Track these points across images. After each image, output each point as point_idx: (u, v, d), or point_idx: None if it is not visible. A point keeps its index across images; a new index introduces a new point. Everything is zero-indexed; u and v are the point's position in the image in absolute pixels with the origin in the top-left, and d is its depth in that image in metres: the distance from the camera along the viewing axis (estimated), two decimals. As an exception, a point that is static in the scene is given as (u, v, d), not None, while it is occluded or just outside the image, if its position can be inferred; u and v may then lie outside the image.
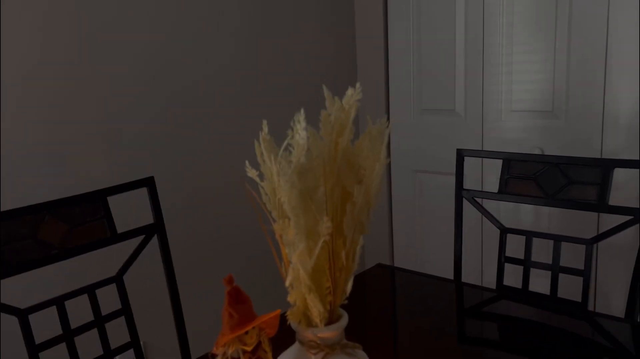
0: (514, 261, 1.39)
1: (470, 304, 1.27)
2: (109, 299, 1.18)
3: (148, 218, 1.21)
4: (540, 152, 2.01)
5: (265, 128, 0.67)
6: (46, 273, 1.23)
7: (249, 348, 0.66)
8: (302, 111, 0.63)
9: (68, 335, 1.06)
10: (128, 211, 1.35)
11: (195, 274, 1.87)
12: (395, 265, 2.50)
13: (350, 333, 0.70)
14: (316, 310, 0.64)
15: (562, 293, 1.33)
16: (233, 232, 2.00)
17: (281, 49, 2.12)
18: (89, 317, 1.11)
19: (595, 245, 1.31)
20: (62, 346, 1.05)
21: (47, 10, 1.47)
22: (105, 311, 1.13)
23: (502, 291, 1.39)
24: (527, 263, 1.36)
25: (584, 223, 1.93)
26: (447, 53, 2.19)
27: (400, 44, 2.32)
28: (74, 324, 1.08)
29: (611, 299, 1.96)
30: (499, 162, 1.42)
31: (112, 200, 1.14)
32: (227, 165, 1.95)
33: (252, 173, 0.69)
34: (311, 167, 0.62)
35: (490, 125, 2.13)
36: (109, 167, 1.64)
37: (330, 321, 0.66)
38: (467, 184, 1.51)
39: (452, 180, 1.53)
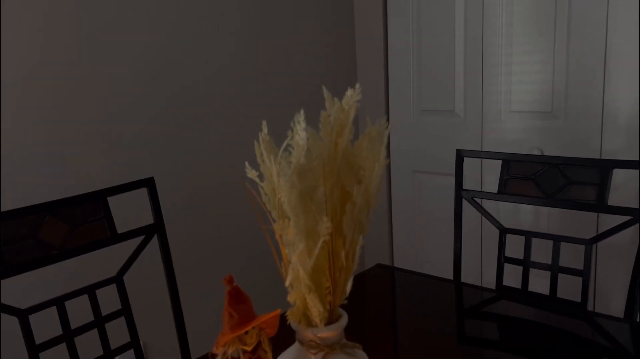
0: (513, 261, 1.39)
1: (469, 304, 1.27)
2: (109, 299, 1.18)
3: (148, 219, 1.21)
4: (539, 153, 2.01)
5: (265, 129, 0.67)
6: (46, 273, 1.23)
7: (249, 348, 0.66)
8: (301, 112, 0.63)
9: (68, 335, 1.06)
10: (128, 212, 1.35)
11: (195, 274, 1.87)
12: (395, 265, 2.50)
13: (350, 333, 0.70)
14: (316, 310, 0.64)
15: (561, 293, 1.33)
16: (233, 232, 2.00)
17: (281, 49, 2.12)
18: (89, 317, 1.11)
19: (594, 245, 1.31)
20: (63, 347, 1.06)
21: (47, 10, 1.47)
22: (105, 311, 1.13)
23: (502, 291, 1.39)
24: (526, 264, 1.37)
25: (583, 223, 1.93)
26: (447, 53, 2.19)
27: (400, 45, 2.32)
28: (74, 324, 1.08)
29: (610, 300, 1.96)
30: (499, 163, 1.42)
31: (112, 201, 1.14)
32: (227, 165, 1.96)
33: (252, 173, 0.69)
34: (311, 167, 0.63)
35: (490, 126, 2.14)
36: (109, 167, 1.64)
37: (330, 321, 0.67)
38: (467, 184, 1.52)
39: (452, 180, 1.54)
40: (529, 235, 1.37)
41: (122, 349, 1.14)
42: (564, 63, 1.93)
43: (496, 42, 2.06)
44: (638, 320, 1.24)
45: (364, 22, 2.40)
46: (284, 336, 0.72)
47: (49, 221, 1.04)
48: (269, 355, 0.69)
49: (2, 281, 0.98)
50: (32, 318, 1.01)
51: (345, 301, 0.68)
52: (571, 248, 1.37)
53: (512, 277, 1.50)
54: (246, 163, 0.71)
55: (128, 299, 1.16)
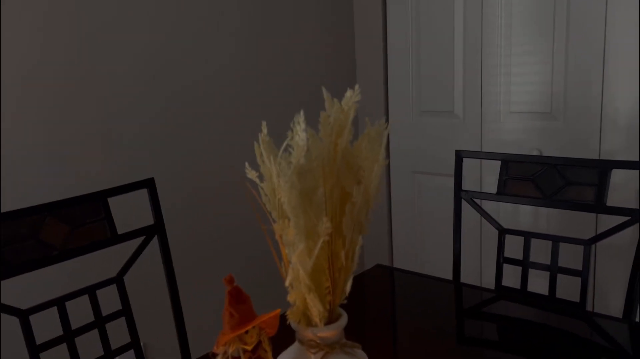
0: (512, 261, 1.40)
1: (469, 304, 1.27)
2: (109, 300, 1.18)
3: (148, 219, 1.21)
4: (538, 154, 2.02)
5: (265, 129, 0.68)
6: (47, 273, 1.23)
7: (249, 347, 0.67)
8: (301, 112, 0.63)
9: (69, 336, 1.07)
10: (128, 212, 1.35)
11: (195, 274, 1.87)
12: (395, 265, 2.50)
13: (350, 333, 0.71)
14: (316, 310, 0.64)
15: (560, 294, 1.34)
16: (233, 232, 2.01)
17: (281, 49, 2.12)
18: (90, 318, 1.11)
19: (593, 246, 1.32)
20: (63, 347, 1.06)
21: (47, 10, 1.48)
22: (105, 311, 1.13)
23: (501, 291, 1.39)
24: (525, 264, 1.37)
25: (582, 223, 1.94)
26: (446, 54, 2.19)
27: (399, 45, 2.32)
28: (74, 324, 1.08)
29: (610, 300, 1.97)
30: (498, 163, 1.43)
31: (112, 201, 1.15)
32: (227, 165, 1.96)
33: (251, 174, 0.69)
34: (311, 168, 0.63)
35: (489, 127, 2.14)
36: (108, 167, 1.64)
37: (329, 320, 0.67)
38: (466, 185, 1.52)
39: (451, 181, 1.54)
40: (528, 236, 1.38)
41: (122, 349, 1.15)
42: (563, 64, 1.93)
43: (495, 42, 2.06)
44: (637, 320, 1.24)
45: (364, 23, 2.40)
46: (284, 335, 0.72)
47: (50, 221, 1.04)
48: (269, 354, 0.69)
49: (2, 281, 0.98)
50: (33, 318, 1.02)
51: (345, 301, 0.68)
52: (570, 248, 1.38)
53: (512, 277, 1.50)
54: (246, 163, 0.71)
55: (128, 300, 1.17)
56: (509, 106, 2.08)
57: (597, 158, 1.90)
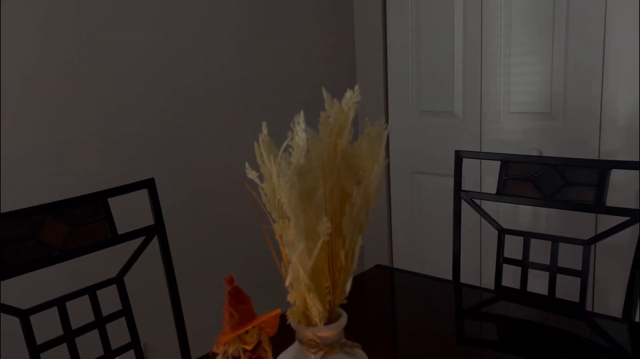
0: (512, 262, 1.40)
1: (469, 305, 1.27)
2: (109, 300, 1.19)
3: (148, 219, 1.21)
4: (538, 154, 2.02)
5: (265, 130, 0.68)
6: (47, 274, 1.23)
7: (249, 347, 0.67)
8: (301, 113, 0.63)
9: (69, 336, 1.07)
10: (129, 213, 1.35)
11: (195, 274, 1.88)
12: (395, 265, 2.50)
13: (350, 333, 0.71)
14: (315, 310, 0.64)
15: (560, 294, 1.34)
16: (233, 232, 2.01)
17: (281, 50, 2.13)
18: (90, 318, 1.11)
19: (592, 246, 1.32)
20: (63, 347, 1.06)
21: (47, 10, 1.48)
22: (105, 312, 1.14)
23: (501, 291, 1.39)
24: (525, 264, 1.37)
25: (581, 224, 1.94)
26: (446, 55, 2.19)
27: (399, 45, 2.32)
28: (75, 325, 1.08)
29: (609, 300, 1.97)
30: (497, 164, 1.43)
31: (112, 202, 1.15)
32: (227, 165, 1.96)
33: (252, 174, 0.70)
34: (310, 168, 0.63)
35: (489, 127, 2.14)
36: (109, 167, 1.64)
37: (329, 320, 0.67)
38: (466, 185, 1.52)
39: (451, 181, 1.54)
40: (527, 236, 1.38)
41: (122, 349, 1.15)
42: (563, 64, 1.93)
43: (495, 42, 2.06)
44: (636, 320, 1.25)
45: (364, 23, 2.41)
46: (284, 335, 0.72)
47: (50, 222, 1.05)
48: (269, 354, 0.69)
49: (3, 281, 0.99)
50: (33, 319, 1.02)
51: (345, 301, 0.69)
52: (570, 248, 1.38)
53: (511, 277, 1.50)
54: (246, 164, 0.71)
55: (128, 300, 1.17)
56: (509, 106, 2.08)
57: (597, 158, 1.91)
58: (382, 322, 1.17)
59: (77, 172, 1.58)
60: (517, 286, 1.40)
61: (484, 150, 2.16)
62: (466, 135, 2.20)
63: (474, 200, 1.45)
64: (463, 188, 1.47)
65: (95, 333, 1.11)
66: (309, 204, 0.62)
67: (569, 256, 1.48)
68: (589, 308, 2.00)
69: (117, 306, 1.16)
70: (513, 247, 1.46)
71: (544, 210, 2.04)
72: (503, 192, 1.41)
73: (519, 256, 1.39)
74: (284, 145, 0.65)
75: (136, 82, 1.69)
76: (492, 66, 2.08)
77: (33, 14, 1.46)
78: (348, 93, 0.64)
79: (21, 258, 1.00)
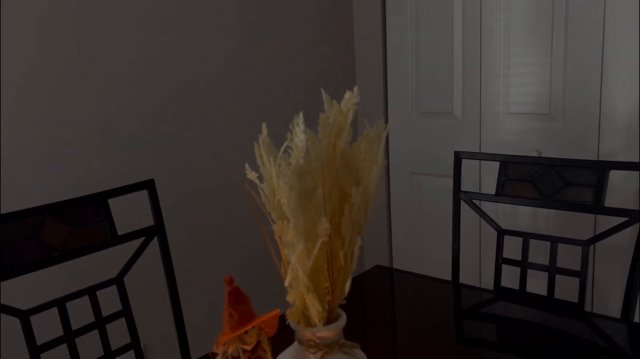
0: (511, 262, 1.40)
1: (468, 305, 1.27)
2: (109, 300, 1.19)
3: (148, 220, 1.22)
4: (537, 154, 2.02)
5: (265, 131, 0.68)
6: (47, 274, 1.24)
7: (248, 347, 0.67)
8: (300, 114, 0.64)
9: (69, 336, 1.07)
10: (129, 213, 1.36)
11: (195, 274, 1.88)
12: (394, 266, 2.51)
13: (349, 333, 0.71)
14: (315, 310, 0.65)
15: (559, 294, 1.34)
16: (233, 232, 2.01)
17: (280, 50, 2.13)
18: (90, 318, 1.12)
19: (591, 246, 1.32)
20: (63, 347, 1.06)
21: (46, 10, 1.48)
22: (106, 312, 1.14)
23: (500, 292, 1.40)
24: (524, 265, 1.37)
25: (580, 224, 1.94)
26: (445, 55, 2.20)
27: (399, 47, 2.33)
28: (75, 325, 1.08)
29: (609, 300, 1.97)
30: (497, 164, 1.43)
31: (112, 202, 1.15)
32: (227, 165, 1.96)
33: (251, 175, 0.70)
34: (310, 169, 0.63)
35: (488, 128, 2.15)
36: (108, 167, 1.65)
37: (328, 320, 0.67)
38: (465, 186, 1.52)
39: (450, 182, 1.55)
40: (526, 236, 1.38)
41: (122, 350, 1.15)
42: (562, 65, 1.93)
43: (494, 43, 2.06)
44: (635, 320, 1.25)
45: (363, 24, 2.41)
46: (283, 335, 0.73)
47: (50, 222, 1.05)
48: (269, 354, 0.70)
49: (3, 282, 0.99)
50: (34, 319, 1.02)
51: (344, 302, 0.69)
52: (569, 249, 1.38)
53: (510, 278, 1.51)
54: (246, 164, 0.72)
55: (128, 300, 1.17)
56: (508, 107, 2.08)
57: (596, 159, 1.91)
58: (382, 322, 1.17)
59: (77, 172, 1.58)
60: (516, 286, 1.40)
61: (483, 150, 2.17)
62: (465, 136, 2.21)
63: (473, 200, 1.45)
64: (462, 188, 1.48)
65: (95, 333, 1.12)
66: (308, 205, 0.63)
67: (568, 257, 1.48)
68: (587, 308, 2.00)
69: (117, 306, 1.16)
70: (512, 248, 1.46)
71: (543, 211, 2.04)
72: (502, 193, 1.41)
73: (518, 256, 1.39)
74: (284, 146, 0.66)
75: (136, 82, 1.70)
76: (491, 67, 2.09)
77: (33, 14, 1.46)
78: (347, 95, 0.64)
79: (21, 258, 1.01)
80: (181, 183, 1.83)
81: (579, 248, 1.31)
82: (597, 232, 1.89)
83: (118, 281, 1.16)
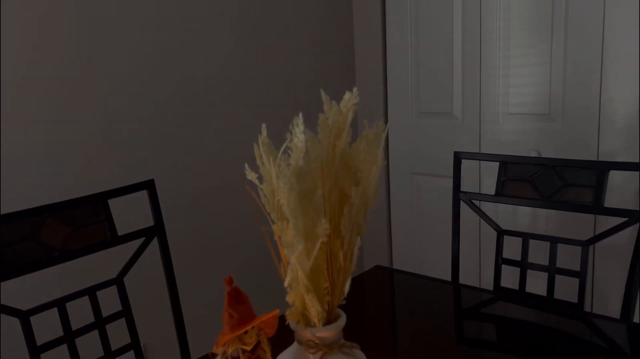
0: (511, 262, 1.40)
1: (468, 305, 1.27)
2: (109, 301, 1.19)
3: (148, 220, 1.22)
4: (537, 155, 2.02)
5: (264, 132, 0.68)
6: (48, 275, 1.24)
7: (248, 348, 0.67)
8: (300, 115, 0.64)
9: (69, 336, 1.07)
10: (129, 213, 1.36)
11: (195, 274, 1.88)
12: (394, 266, 2.51)
13: (349, 333, 0.71)
14: (314, 310, 0.65)
15: (558, 294, 1.34)
16: (233, 232, 2.01)
17: (280, 50, 2.13)
18: (90, 319, 1.12)
19: (591, 247, 1.32)
20: (63, 348, 1.06)
21: (46, 10, 1.48)
22: (105, 312, 1.14)
23: (500, 292, 1.40)
24: (524, 265, 1.37)
25: (580, 225, 1.94)
26: (445, 56, 2.20)
27: (399, 47, 2.33)
28: (75, 325, 1.08)
29: (608, 300, 1.97)
30: (496, 165, 1.43)
31: (112, 202, 1.15)
32: (227, 165, 1.96)
33: (251, 176, 0.70)
34: (309, 170, 0.63)
35: (488, 128, 2.15)
36: (108, 167, 1.65)
37: (328, 321, 0.67)
38: (465, 186, 1.52)
39: (450, 182, 1.55)
40: (526, 237, 1.38)
41: (122, 350, 1.15)
42: (562, 65, 1.94)
43: (494, 44, 2.07)
44: (635, 321, 1.25)
45: (363, 23, 2.41)
46: (283, 336, 0.73)
47: (50, 223, 1.05)
48: (268, 355, 0.70)
49: (3, 282, 0.99)
50: (34, 319, 1.02)
51: (344, 302, 0.69)
52: (568, 249, 1.38)
53: (510, 278, 1.51)
54: (246, 165, 0.72)
55: (128, 301, 1.17)
56: (508, 107, 2.08)
57: (596, 159, 1.91)
58: (381, 323, 1.17)
59: (77, 172, 1.58)
60: (516, 286, 1.40)
61: (483, 151, 2.17)
62: (465, 136, 2.21)
63: (473, 201, 1.45)
64: (462, 189, 1.48)
65: (95, 333, 1.12)
66: (307, 205, 0.63)
67: (568, 257, 1.48)
68: (587, 308, 2.00)
69: (117, 306, 1.16)
70: (512, 248, 1.46)
71: (542, 211, 2.04)
72: (502, 193, 1.41)
73: (517, 257, 1.39)
74: (283, 146, 0.66)
75: (136, 82, 1.70)
76: (491, 67, 2.09)
77: (33, 14, 1.46)
78: (347, 95, 0.64)
79: (21, 259, 1.01)
80: (181, 183, 1.84)
81: (579, 249, 1.31)
82: (597, 232, 1.89)
83: (118, 282, 1.16)
